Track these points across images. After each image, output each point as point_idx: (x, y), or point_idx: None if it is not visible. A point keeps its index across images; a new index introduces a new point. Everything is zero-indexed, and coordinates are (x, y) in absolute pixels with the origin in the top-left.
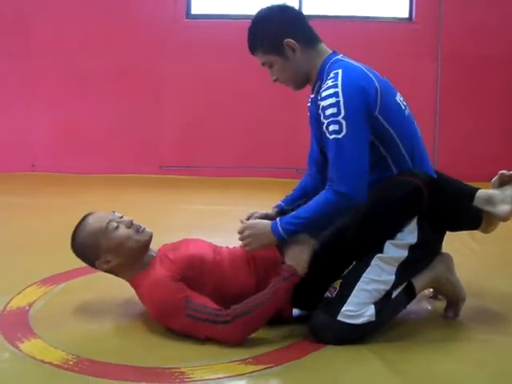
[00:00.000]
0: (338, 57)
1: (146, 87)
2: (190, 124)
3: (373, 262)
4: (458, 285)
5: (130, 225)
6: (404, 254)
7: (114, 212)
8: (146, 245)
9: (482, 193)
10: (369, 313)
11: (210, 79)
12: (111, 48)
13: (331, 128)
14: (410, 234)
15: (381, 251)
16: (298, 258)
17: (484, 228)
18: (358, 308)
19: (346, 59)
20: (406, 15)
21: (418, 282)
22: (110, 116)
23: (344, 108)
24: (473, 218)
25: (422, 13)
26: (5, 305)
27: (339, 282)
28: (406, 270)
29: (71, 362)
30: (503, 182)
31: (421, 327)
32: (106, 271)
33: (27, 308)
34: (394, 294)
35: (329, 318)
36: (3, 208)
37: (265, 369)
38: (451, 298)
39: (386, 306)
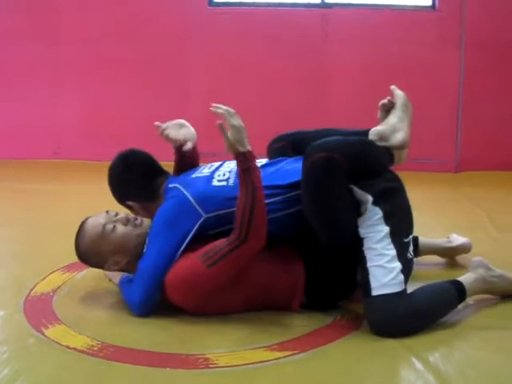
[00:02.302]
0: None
1: (170, 74)
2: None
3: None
4: (507, 276)
5: (126, 221)
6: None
7: (107, 212)
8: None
9: (372, 134)
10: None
11: (233, 66)
12: (135, 35)
13: None
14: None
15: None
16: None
17: (396, 161)
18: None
19: None
20: (430, 3)
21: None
22: (133, 102)
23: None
24: (386, 156)
25: (445, 0)
26: (29, 291)
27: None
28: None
29: (96, 348)
30: (387, 111)
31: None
32: (118, 271)
33: (51, 294)
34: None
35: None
36: (27, 195)
37: (290, 355)
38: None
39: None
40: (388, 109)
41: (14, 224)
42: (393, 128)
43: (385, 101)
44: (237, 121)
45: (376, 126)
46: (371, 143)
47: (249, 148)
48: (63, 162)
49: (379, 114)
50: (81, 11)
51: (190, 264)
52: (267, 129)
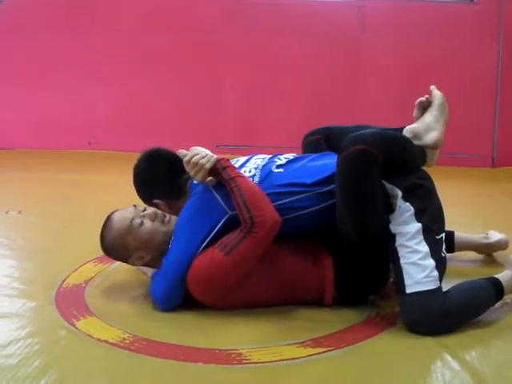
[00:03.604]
0: None
1: (205, 65)
2: (249, 103)
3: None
4: None
5: (154, 217)
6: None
7: (135, 206)
8: None
9: (406, 132)
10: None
11: (268, 58)
12: (171, 26)
13: None
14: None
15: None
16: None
17: (427, 163)
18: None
19: None
20: None
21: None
22: (167, 94)
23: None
24: (420, 155)
25: None
26: (61, 282)
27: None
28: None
29: (127, 341)
30: (424, 110)
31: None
32: (141, 266)
33: (83, 285)
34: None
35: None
36: (61, 185)
37: (324, 352)
38: None
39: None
40: (425, 107)
41: (48, 214)
42: (427, 127)
43: (423, 99)
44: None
45: (410, 120)
46: (408, 140)
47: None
48: (98, 153)
49: (415, 112)
50: (115, 3)
51: (208, 255)
52: (302, 121)
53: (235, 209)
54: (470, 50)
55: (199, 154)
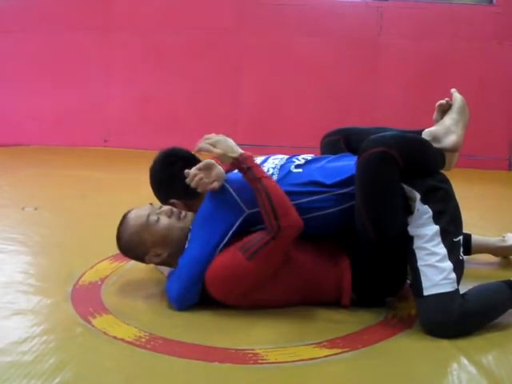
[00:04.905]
0: None
1: (223, 64)
2: (266, 103)
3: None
4: None
5: (170, 213)
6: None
7: (151, 204)
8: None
9: (425, 134)
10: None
11: (286, 57)
12: (188, 23)
13: None
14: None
15: (411, 242)
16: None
17: (446, 167)
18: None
19: None
20: None
21: None
22: (184, 92)
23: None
24: (440, 158)
25: None
26: (77, 279)
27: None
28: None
29: (143, 340)
30: (444, 113)
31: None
32: (157, 264)
33: (99, 283)
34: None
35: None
36: (77, 182)
37: (340, 353)
38: None
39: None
40: (445, 110)
41: (63, 211)
42: (446, 130)
43: (443, 101)
44: (217, 137)
45: (425, 120)
46: (428, 143)
47: (240, 151)
48: (113, 150)
49: (435, 115)
50: (131, 0)
51: (230, 257)
52: (318, 121)
53: (260, 210)
54: (487, 52)
55: (197, 176)
